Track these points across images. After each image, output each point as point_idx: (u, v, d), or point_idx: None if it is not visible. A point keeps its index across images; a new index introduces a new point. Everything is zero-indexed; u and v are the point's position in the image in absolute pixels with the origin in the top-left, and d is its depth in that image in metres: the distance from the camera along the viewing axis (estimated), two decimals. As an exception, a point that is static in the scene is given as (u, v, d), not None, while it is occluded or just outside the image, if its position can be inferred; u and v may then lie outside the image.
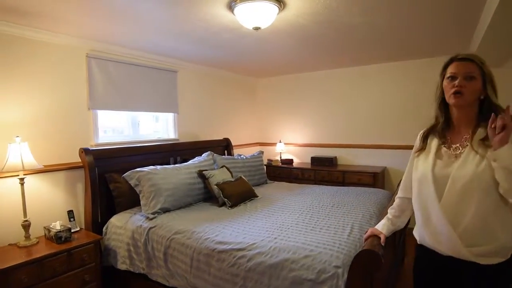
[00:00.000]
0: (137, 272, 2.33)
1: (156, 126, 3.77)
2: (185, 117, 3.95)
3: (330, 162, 4.37)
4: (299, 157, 5.00)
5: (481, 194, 1.14)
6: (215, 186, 2.81)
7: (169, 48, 3.18)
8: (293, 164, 4.75)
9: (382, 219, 1.61)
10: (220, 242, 1.97)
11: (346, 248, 1.73)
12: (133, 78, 3.22)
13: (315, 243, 1.81)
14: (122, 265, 2.40)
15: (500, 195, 1.13)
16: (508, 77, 3.15)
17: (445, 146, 1.27)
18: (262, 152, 4.07)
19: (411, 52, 3.62)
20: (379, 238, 1.51)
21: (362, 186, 3.71)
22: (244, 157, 3.73)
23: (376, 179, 3.79)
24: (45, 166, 2.43)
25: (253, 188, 3.10)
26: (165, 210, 2.54)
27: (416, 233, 1.37)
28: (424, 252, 1.31)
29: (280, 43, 3.08)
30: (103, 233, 2.57)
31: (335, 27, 2.61)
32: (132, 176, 2.58)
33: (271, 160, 4.88)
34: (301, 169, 4.42)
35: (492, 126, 1.10)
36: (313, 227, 2.12)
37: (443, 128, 1.31)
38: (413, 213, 1.41)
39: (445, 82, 1.26)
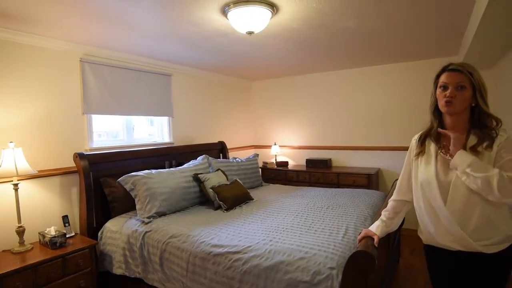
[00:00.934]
0: (133, 276, 2.33)
1: (151, 130, 3.77)
2: (180, 120, 3.96)
3: (325, 164, 4.40)
4: (294, 159, 5.02)
5: (483, 198, 1.22)
6: (211, 190, 2.81)
7: (163, 52, 3.19)
8: (288, 166, 4.77)
9: (376, 220, 1.63)
10: (216, 245, 1.98)
11: (341, 250, 1.75)
12: (127, 82, 3.23)
13: (310, 245, 1.83)
14: (118, 270, 2.40)
15: None
16: (498, 78, 3.20)
17: (442, 152, 1.35)
18: (257, 155, 4.09)
19: (404, 55, 3.67)
20: (373, 239, 1.53)
21: (357, 187, 3.75)
22: (239, 160, 3.74)
23: (371, 181, 3.83)
24: (39, 171, 2.42)
25: (248, 191, 3.12)
26: (161, 214, 2.55)
27: (421, 234, 1.44)
28: (433, 250, 1.39)
29: (274, 46, 3.11)
30: (99, 238, 2.56)
31: (328, 31, 2.64)
32: (127, 180, 2.58)
33: (266, 163, 4.89)
34: (296, 171, 4.45)
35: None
36: (308, 229, 2.14)
37: (438, 133, 1.37)
38: (407, 214, 1.45)
39: (437, 91, 1.33)
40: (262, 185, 3.86)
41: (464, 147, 1.27)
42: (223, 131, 4.72)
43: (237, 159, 3.79)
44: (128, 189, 2.59)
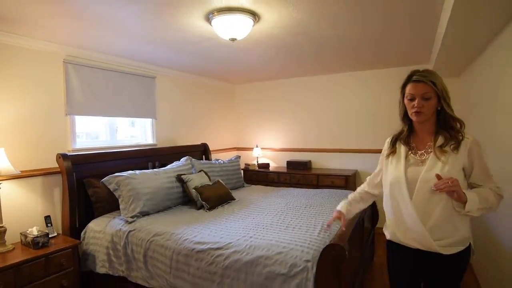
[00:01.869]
0: (116, 275, 2.37)
1: (133, 131, 3.80)
2: (163, 122, 4.01)
3: (305, 166, 4.55)
4: (275, 161, 5.15)
5: (446, 197, 1.31)
6: (194, 190, 2.89)
7: (147, 54, 3.25)
8: (270, 168, 4.90)
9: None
10: (199, 242, 2.06)
11: (316, 245, 1.87)
12: (111, 84, 3.26)
13: (287, 240, 1.95)
14: (101, 269, 2.43)
15: None
16: (466, 85, 3.44)
17: (412, 153, 1.45)
18: (239, 157, 4.19)
19: (378, 63, 3.88)
20: (344, 232, 1.68)
21: (335, 188, 3.91)
22: (222, 162, 3.83)
23: (348, 182, 4.01)
24: (22, 171, 2.43)
25: (230, 191, 3.21)
26: (144, 214, 2.60)
27: (386, 231, 1.54)
28: (394, 247, 1.49)
29: (256, 52, 3.23)
30: (81, 238, 2.59)
31: (308, 38, 2.79)
32: (111, 180, 2.63)
33: (248, 165, 5.00)
34: (277, 173, 4.57)
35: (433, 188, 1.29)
36: (286, 226, 2.26)
37: (408, 136, 1.49)
38: (382, 214, 1.58)
39: (405, 101, 1.44)
40: (243, 186, 3.96)
41: (433, 147, 1.38)
42: (206, 133, 4.80)
43: (219, 160, 3.88)
44: (112, 189, 2.63)
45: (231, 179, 3.70)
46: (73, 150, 2.89)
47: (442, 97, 1.36)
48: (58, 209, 2.74)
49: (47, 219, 2.55)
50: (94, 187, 2.75)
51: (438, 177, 1.26)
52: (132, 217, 2.51)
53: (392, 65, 4.04)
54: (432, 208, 1.33)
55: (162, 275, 2.12)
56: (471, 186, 1.40)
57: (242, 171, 4.24)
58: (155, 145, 3.87)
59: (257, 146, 5.08)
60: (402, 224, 1.41)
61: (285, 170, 4.62)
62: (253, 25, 2.35)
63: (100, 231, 2.51)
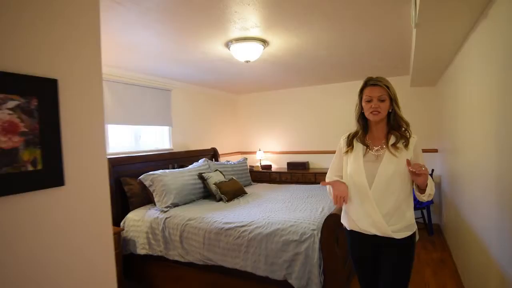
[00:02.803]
0: (155, 254, 2.88)
1: (154, 138, 4.34)
2: (178, 129, 4.56)
3: (303, 166, 5.12)
4: (277, 163, 5.72)
5: (400, 186, 1.53)
6: (213, 185, 3.43)
7: (167, 71, 3.82)
8: (272, 169, 5.46)
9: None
10: (226, 223, 2.60)
11: (319, 219, 2.43)
12: (135, 97, 3.81)
13: (297, 217, 2.51)
14: (141, 251, 2.94)
15: (409, 186, 1.57)
16: (439, 93, 4.06)
17: (368, 149, 1.64)
18: (246, 159, 4.74)
19: (366, 74, 4.47)
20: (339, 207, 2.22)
21: (331, 184, 4.48)
22: (232, 163, 4.38)
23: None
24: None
25: (243, 186, 3.76)
26: (175, 205, 3.13)
27: (345, 222, 1.72)
28: (355, 235, 1.66)
29: (262, 68, 3.82)
30: (121, 227, 3.10)
31: (305, 57, 3.39)
32: (147, 178, 3.15)
33: (253, 166, 5.55)
34: (279, 173, 5.13)
35: (411, 170, 1.44)
36: (294, 209, 2.82)
37: (363, 135, 1.68)
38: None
39: (363, 103, 1.63)
40: (251, 184, 4.51)
41: (387, 145, 1.59)
42: (214, 138, 5.35)
43: (230, 162, 4.43)
44: (147, 185, 3.16)
45: (241, 178, 4.24)
46: (108, 154, 3.42)
47: (394, 99, 1.59)
48: (100, 203, 3.24)
49: (94, 211, 3.05)
50: (129, 184, 3.27)
51: (408, 162, 1.45)
52: (166, 207, 3.04)
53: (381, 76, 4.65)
54: (387, 198, 1.53)
55: (196, 250, 2.65)
56: None
57: (249, 171, 4.78)
58: (172, 149, 4.41)
59: (260, 150, 5.64)
60: (362, 212, 1.58)
61: (285, 170, 5.18)
62: (263, 49, 2.93)
63: (139, 219, 3.03)
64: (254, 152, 5.82)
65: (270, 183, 4.93)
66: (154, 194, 3.14)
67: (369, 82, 1.63)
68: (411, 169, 1.44)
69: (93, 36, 1.05)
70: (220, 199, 3.39)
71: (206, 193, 3.55)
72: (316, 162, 5.34)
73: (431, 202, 4.24)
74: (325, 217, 2.47)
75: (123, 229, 3.02)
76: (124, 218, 3.14)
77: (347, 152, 1.69)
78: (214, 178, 3.56)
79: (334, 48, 3.10)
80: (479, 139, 2.11)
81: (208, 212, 2.92)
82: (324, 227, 2.19)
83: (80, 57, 1.02)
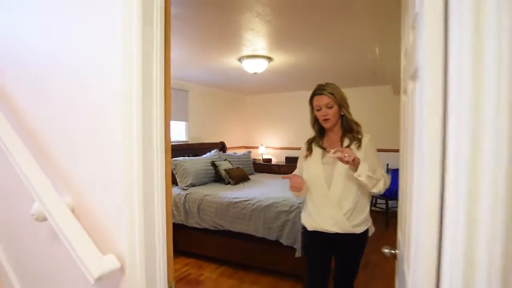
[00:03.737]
0: (177, 223, 3.67)
1: (173, 131, 5.12)
2: (193, 124, 5.34)
3: (300, 160, 5.88)
4: (276, 157, 6.49)
5: (357, 184, 1.59)
6: (223, 171, 4.21)
7: (187, 75, 4.59)
8: (272, 162, 6.23)
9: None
10: (234, 198, 3.38)
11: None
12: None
13: (288, 195, 3.27)
14: (166, 219, 3.73)
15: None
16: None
17: (326, 152, 1.69)
18: (250, 152, 5.51)
19: (352, 83, 5.25)
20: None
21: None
22: (238, 155, 5.16)
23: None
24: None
25: (247, 174, 4.54)
26: (193, 185, 3.91)
27: (306, 222, 1.76)
28: (315, 235, 1.72)
29: (266, 76, 4.59)
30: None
31: (301, 69, 4.16)
32: (172, 162, 3.94)
33: (255, 159, 6.32)
34: (278, 165, 5.90)
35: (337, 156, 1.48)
36: (287, 191, 3.56)
37: (320, 139, 1.78)
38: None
39: (315, 112, 1.71)
40: (254, 174, 5.28)
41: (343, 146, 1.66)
42: (223, 133, 6.13)
43: (236, 153, 5.20)
44: (172, 169, 3.94)
45: (245, 167, 5.00)
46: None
47: (341, 104, 1.66)
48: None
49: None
50: (156, 168, 4.05)
51: (339, 149, 1.50)
52: (186, 186, 3.82)
53: (362, 85, 5.40)
54: (346, 197, 1.61)
55: (210, 219, 3.43)
56: None
57: (252, 163, 5.56)
58: (187, 141, 5.19)
59: (262, 145, 6.42)
60: (324, 213, 1.64)
61: (284, 163, 5.95)
62: (268, 64, 3.70)
63: (164, 195, 3.81)
64: (257, 147, 6.60)
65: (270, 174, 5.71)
66: (176, 176, 3.93)
67: (316, 92, 1.71)
68: (334, 156, 1.49)
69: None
70: (229, 183, 4.17)
71: (217, 177, 4.33)
72: (311, 158, 6.11)
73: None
74: (310, 195, 3.25)
75: (151, 202, 3.80)
76: (152, 194, 3.93)
77: (306, 156, 1.78)
78: (224, 165, 4.34)
79: (322, 63, 3.88)
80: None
81: (219, 191, 3.70)
82: (307, 201, 2.97)
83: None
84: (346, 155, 1.43)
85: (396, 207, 4.93)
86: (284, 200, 3.17)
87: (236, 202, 3.33)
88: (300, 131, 6.22)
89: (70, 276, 1.19)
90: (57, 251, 1.20)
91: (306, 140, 1.86)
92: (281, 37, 2.93)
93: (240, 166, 4.57)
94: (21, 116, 1.29)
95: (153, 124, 1.06)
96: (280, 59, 3.66)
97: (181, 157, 4.11)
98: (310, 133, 1.80)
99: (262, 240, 3.14)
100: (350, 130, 1.72)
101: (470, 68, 0.51)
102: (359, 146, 1.65)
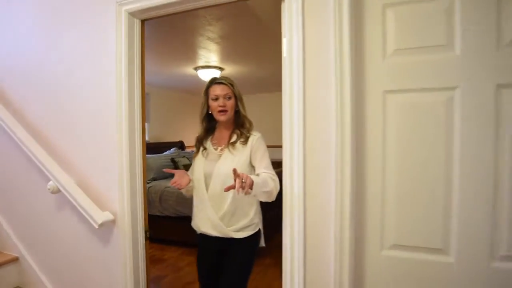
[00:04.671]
0: (141, 212, 4.14)
1: (134, 131, 5.53)
2: (154, 125, 5.79)
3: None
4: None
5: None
6: (182, 166, 4.74)
7: (148, 80, 5.05)
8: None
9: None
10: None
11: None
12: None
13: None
14: (131, 210, 4.19)
15: None
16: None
17: (214, 148, 1.57)
18: (207, 149, 6.07)
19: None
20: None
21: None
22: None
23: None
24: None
25: (203, 169, 5.11)
26: (154, 179, 4.40)
27: (193, 223, 1.65)
28: (202, 238, 1.58)
29: (219, 82, 5.22)
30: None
31: (248, 77, 4.86)
32: (134, 159, 4.39)
33: (212, 156, 6.89)
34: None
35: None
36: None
37: (208, 136, 1.64)
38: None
39: (210, 101, 1.56)
40: (210, 169, 5.86)
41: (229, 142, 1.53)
42: (182, 133, 6.63)
43: (194, 151, 5.75)
44: (134, 165, 4.39)
45: (202, 163, 5.58)
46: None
47: (239, 98, 1.57)
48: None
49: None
50: (120, 165, 4.48)
51: (234, 171, 1.22)
52: (148, 180, 4.30)
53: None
54: (224, 198, 1.47)
55: (171, 207, 3.96)
56: (255, 173, 1.52)
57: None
58: (149, 140, 5.63)
59: (218, 143, 7.00)
60: (203, 214, 1.53)
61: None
62: (220, 72, 4.32)
63: (129, 189, 4.27)
64: (214, 145, 7.16)
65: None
66: (139, 171, 4.39)
67: (215, 81, 1.59)
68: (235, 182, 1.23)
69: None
70: (187, 176, 4.71)
71: (177, 172, 4.85)
72: (262, 154, 6.84)
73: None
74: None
75: (117, 195, 4.24)
76: (116, 188, 4.36)
77: (195, 156, 1.66)
78: (183, 161, 4.87)
79: (265, 71, 4.60)
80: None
81: (179, 183, 4.24)
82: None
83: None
84: (243, 180, 1.22)
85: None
86: (234, 187, 3.80)
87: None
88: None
89: (70, 232, 1.72)
90: (61, 216, 1.72)
91: (196, 138, 1.70)
92: (228, 53, 3.56)
93: (197, 162, 5.14)
94: (33, 122, 1.79)
95: (135, 123, 1.64)
96: (230, 69, 4.30)
97: (143, 155, 4.58)
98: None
99: (216, 222, 3.74)
100: (241, 127, 1.60)
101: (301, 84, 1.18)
102: (245, 143, 1.53)
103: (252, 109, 6.39)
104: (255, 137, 1.55)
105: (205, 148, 1.59)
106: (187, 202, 3.95)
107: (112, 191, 1.60)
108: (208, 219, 1.50)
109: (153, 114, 5.75)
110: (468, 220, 1.12)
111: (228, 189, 1.22)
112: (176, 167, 4.82)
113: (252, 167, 1.52)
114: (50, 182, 1.64)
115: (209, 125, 1.65)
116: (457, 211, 1.13)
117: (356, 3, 1.20)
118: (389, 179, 1.20)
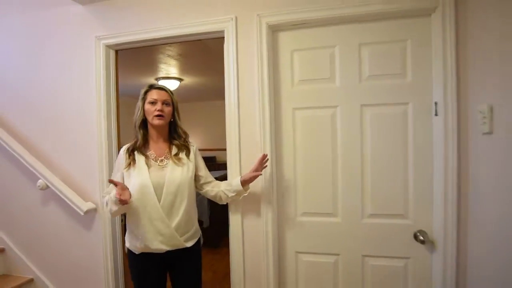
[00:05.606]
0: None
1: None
2: (121, 132, 6.03)
3: (212, 160, 7.00)
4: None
5: (188, 194, 1.50)
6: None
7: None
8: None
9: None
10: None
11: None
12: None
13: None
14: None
15: (194, 192, 1.61)
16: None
17: (152, 159, 1.52)
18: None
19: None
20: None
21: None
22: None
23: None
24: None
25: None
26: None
27: (132, 246, 1.52)
28: (144, 258, 1.52)
29: (179, 91, 5.63)
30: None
31: (204, 87, 5.42)
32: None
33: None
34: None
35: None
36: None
37: (144, 146, 1.56)
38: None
39: (147, 106, 1.53)
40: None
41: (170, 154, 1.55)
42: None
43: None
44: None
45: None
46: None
47: (176, 107, 1.59)
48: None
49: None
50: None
51: (264, 156, 1.56)
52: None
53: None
54: (177, 208, 1.46)
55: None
56: (205, 181, 1.64)
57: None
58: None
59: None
60: (152, 230, 1.43)
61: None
62: (180, 83, 4.75)
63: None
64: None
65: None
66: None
67: (155, 86, 1.59)
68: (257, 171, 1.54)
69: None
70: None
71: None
72: (221, 157, 7.32)
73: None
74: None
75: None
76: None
77: (128, 167, 1.51)
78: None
79: (215, 83, 5.10)
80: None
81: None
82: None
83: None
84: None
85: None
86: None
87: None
88: (207, 134, 7.39)
89: (57, 221, 2.09)
90: (48, 209, 2.09)
91: (126, 147, 1.60)
92: (186, 68, 4.03)
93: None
94: (25, 137, 2.14)
95: (111, 130, 2.07)
96: (188, 80, 4.76)
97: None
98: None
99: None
100: (177, 137, 1.62)
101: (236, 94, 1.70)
102: (188, 155, 1.57)
103: (210, 114, 6.98)
104: (193, 147, 1.65)
105: (146, 157, 1.52)
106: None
107: (93, 184, 2.01)
108: (159, 234, 1.44)
109: (122, 120, 6.00)
110: (347, 192, 1.71)
111: (254, 177, 1.55)
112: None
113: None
114: (39, 181, 2.00)
115: (144, 133, 1.58)
116: (340, 187, 1.72)
117: (273, 49, 1.76)
118: (298, 167, 1.77)
